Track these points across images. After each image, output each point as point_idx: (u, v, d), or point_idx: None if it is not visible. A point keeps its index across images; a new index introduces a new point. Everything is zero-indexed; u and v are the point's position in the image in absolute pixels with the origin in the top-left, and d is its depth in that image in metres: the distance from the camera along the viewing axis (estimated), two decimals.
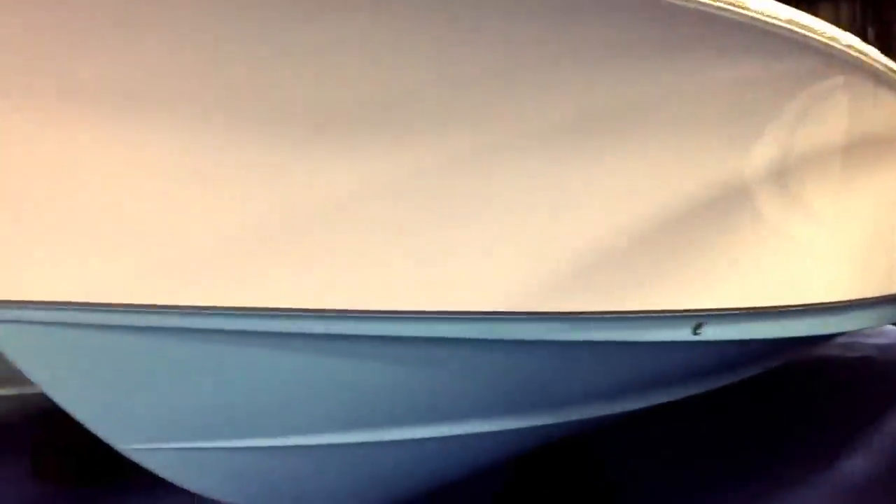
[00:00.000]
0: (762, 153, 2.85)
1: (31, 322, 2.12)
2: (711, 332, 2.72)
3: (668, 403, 3.06)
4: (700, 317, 2.70)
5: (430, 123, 2.19)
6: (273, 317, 2.20)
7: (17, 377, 3.59)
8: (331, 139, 2.13)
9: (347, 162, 2.15)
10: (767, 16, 2.55)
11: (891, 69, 3.41)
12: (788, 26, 2.63)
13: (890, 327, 5.93)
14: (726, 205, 2.72)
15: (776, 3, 2.63)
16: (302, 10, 2.00)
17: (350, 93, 2.10)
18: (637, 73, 2.36)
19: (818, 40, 2.79)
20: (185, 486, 2.50)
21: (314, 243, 2.19)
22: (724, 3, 2.41)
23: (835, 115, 3.20)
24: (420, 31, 2.11)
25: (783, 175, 2.95)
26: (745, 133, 2.79)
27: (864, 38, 3.41)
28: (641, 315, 2.59)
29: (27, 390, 3.72)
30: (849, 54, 2.99)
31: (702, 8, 2.36)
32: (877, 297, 3.90)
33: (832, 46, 2.86)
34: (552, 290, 2.44)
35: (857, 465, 4.04)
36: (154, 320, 2.14)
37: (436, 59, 2.15)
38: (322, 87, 2.07)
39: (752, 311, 2.87)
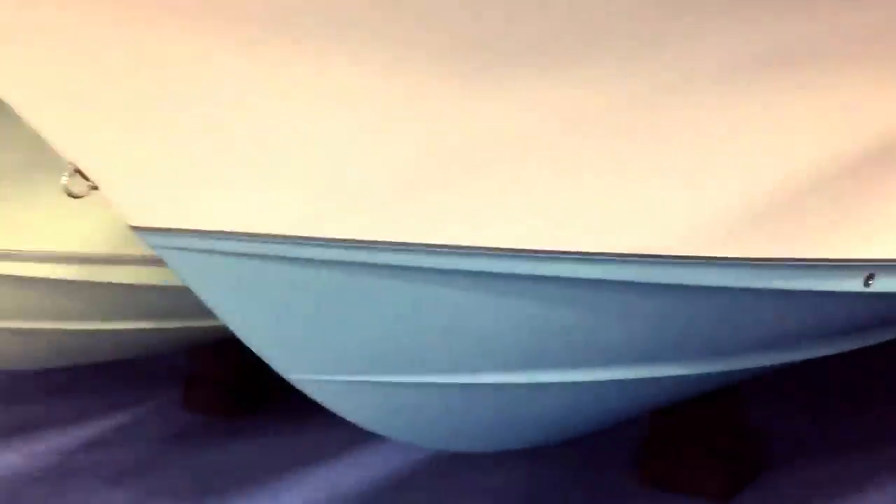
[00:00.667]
0: None
1: (216, 252, 2.19)
2: (882, 284, 2.63)
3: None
4: (872, 267, 2.61)
5: (610, 58, 2.14)
6: (441, 253, 2.21)
7: (169, 311, 3.77)
8: (509, 72, 2.11)
9: (525, 97, 2.13)
10: None
11: None
12: None
13: None
14: None
15: None
16: None
17: (530, 25, 2.07)
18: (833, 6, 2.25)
19: None
20: (347, 417, 2.57)
21: (485, 180, 2.19)
22: None
23: None
24: None
25: None
26: None
27: None
28: (811, 262, 2.51)
29: (178, 324, 3.88)
30: None
31: None
32: None
33: None
34: (723, 234, 2.39)
35: None
36: (330, 254, 2.19)
37: None
38: (503, 17, 2.05)
39: None
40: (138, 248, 3.41)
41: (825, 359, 3.04)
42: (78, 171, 2.17)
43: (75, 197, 2.18)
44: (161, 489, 3.55)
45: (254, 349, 2.41)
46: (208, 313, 3.38)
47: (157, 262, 3.42)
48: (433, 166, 2.16)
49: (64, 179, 2.17)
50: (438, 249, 2.20)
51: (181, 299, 3.46)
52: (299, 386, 2.48)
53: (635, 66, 2.20)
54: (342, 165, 2.12)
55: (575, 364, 2.52)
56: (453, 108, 2.10)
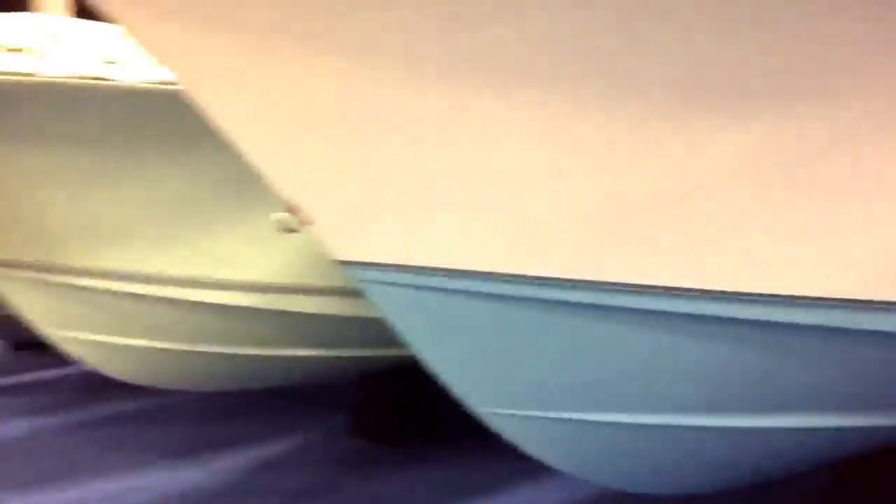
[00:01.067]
0: None
1: (419, 287, 2.27)
2: None
3: None
4: None
5: (815, 93, 2.11)
6: (640, 293, 2.22)
7: (347, 340, 3.90)
8: (709, 108, 2.11)
9: (725, 133, 2.12)
10: None
11: None
12: None
13: None
14: None
15: None
16: None
17: (733, 59, 2.06)
18: None
19: None
20: (532, 453, 2.60)
21: (687, 218, 2.19)
22: None
23: None
24: None
25: None
26: None
27: None
28: None
29: (353, 353, 4.01)
30: None
31: None
32: None
33: None
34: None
35: None
36: (531, 291, 2.23)
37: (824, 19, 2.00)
38: (704, 52, 2.05)
39: None
40: (320, 280, 3.57)
41: None
42: (293, 208, 2.29)
43: (290, 231, 2.30)
44: None
45: (446, 382, 2.47)
46: (383, 343, 3.48)
47: (336, 292, 3.59)
48: (635, 205, 2.17)
49: (280, 215, 2.30)
50: (638, 289, 2.21)
51: (360, 329, 3.59)
52: (487, 420, 2.52)
53: (843, 103, 2.15)
54: (546, 203, 2.17)
55: (769, 409, 2.47)
56: (659, 145, 2.12)
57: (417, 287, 2.27)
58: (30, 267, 3.79)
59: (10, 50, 3.34)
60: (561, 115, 2.11)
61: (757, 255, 2.23)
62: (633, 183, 2.15)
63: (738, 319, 2.26)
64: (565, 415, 2.45)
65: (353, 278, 2.35)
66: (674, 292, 2.21)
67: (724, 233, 2.20)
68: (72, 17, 6.20)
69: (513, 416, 2.47)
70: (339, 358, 4.03)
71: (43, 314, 3.93)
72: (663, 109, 2.10)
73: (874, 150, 2.20)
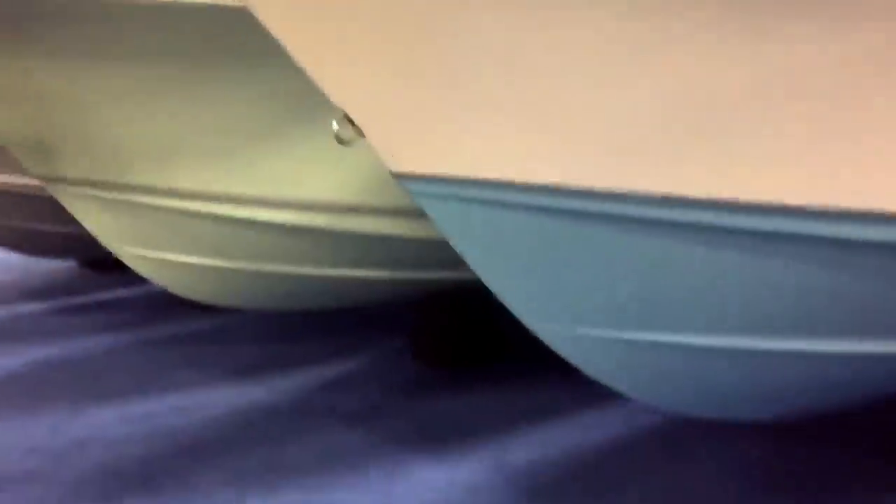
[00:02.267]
0: None
1: (475, 200, 2.23)
2: None
3: None
4: None
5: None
6: (701, 207, 2.13)
7: (409, 261, 3.89)
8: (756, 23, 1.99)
9: (810, 37, 1.99)
10: None
11: None
12: None
13: None
14: None
15: None
16: None
17: None
18: None
19: None
20: (590, 374, 2.56)
21: (748, 128, 2.08)
22: None
23: None
24: None
25: None
26: None
27: None
28: None
29: (415, 274, 4.00)
30: None
31: None
32: None
33: None
34: None
35: None
36: (589, 205, 2.17)
37: None
38: None
39: None
40: (383, 199, 3.55)
41: None
42: (347, 118, 2.25)
43: (344, 143, 2.27)
44: (389, 435, 3.66)
45: (504, 300, 2.44)
46: (446, 265, 3.45)
47: (399, 213, 3.57)
48: (699, 117, 2.08)
49: (334, 125, 2.27)
50: (699, 203, 2.13)
51: (422, 251, 3.57)
52: (546, 338, 2.49)
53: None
54: (606, 114, 2.09)
55: (834, 333, 2.38)
56: (724, 49, 2.01)
57: (473, 200, 2.23)
58: (99, 185, 3.84)
59: None
60: (617, 17, 2.01)
61: (827, 166, 2.12)
62: (691, 89, 2.05)
63: (804, 236, 2.17)
64: (624, 335, 2.40)
65: (408, 192, 2.31)
66: (735, 206, 2.12)
67: (790, 143, 2.10)
68: None
69: (573, 335, 2.43)
70: (402, 280, 4.03)
71: (112, 232, 3.99)
72: (737, 15, 1.99)
73: None
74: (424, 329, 4.52)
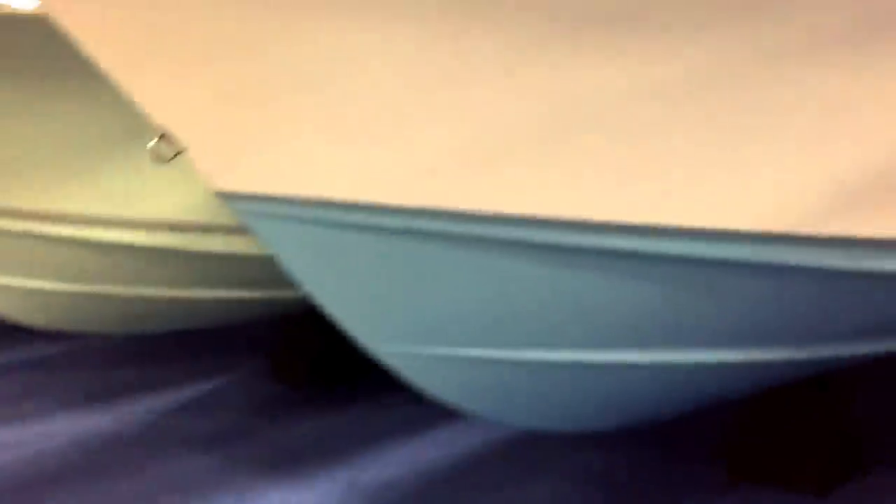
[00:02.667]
0: None
1: (299, 218, 2.17)
2: None
3: None
4: None
5: (701, 24, 2.03)
6: (525, 224, 2.14)
7: (258, 280, 3.80)
8: (592, 39, 2.02)
9: (610, 64, 2.04)
10: None
11: None
12: None
13: None
14: None
15: None
16: None
17: None
18: None
19: None
20: (427, 392, 2.53)
21: (571, 149, 2.10)
22: None
23: None
24: None
25: None
26: None
27: None
28: None
29: (266, 294, 3.92)
30: None
31: None
32: None
33: None
34: (816, 213, 2.26)
35: None
36: (412, 223, 2.14)
37: None
38: None
39: None
40: (229, 218, 3.45)
41: None
42: (165, 136, 2.17)
43: (162, 161, 2.18)
44: (245, 458, 3.58)
45: (337, 321, 2.39)
46: (288, 283, 3.38)
47: (238, 231, 3.47)
48: (524, 134, 2.09)
49: (151, 143, 2.18)
50: (522, 220, 2.13)
51: (270, 269, 3.49)
52: (382, 359, 2.45)
53: (732, 34, 2.08)
54: (429, 132, 2.07)
55: (666, 344, 2.42)
56: (548, 71, 2.02)
57: (297, 219, 2.17)
58: None
59: None
60: (442, 39, 2.01)
61: (654, 186, 2.16)
62: (522, 110, 2.06)
63: (633, 252, 2.20)
64: (461, 352, 2.38)
65: (232, 210, 2.24)
66: (564, 224, 2.14)
67: (614, 163, 2.12)
68: None
69: (410, 354, 2.39)
70: (255, 299, 3.94)
71: None
72: (554, 35, 2.01)
73: (757, 84, 2.13)
74: (283, 349, 4.43)
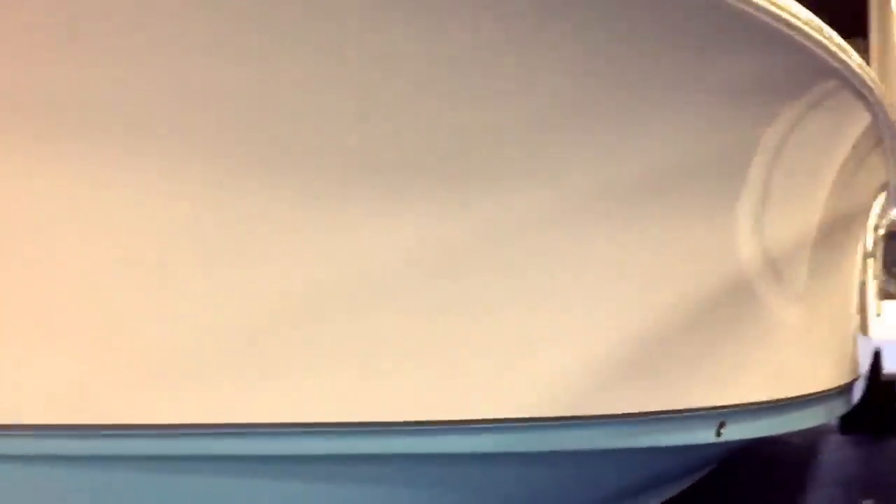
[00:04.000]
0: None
1: None
2: (732, 432, 2.61)
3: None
4: (723, 415, 2.56)
5: (446, 191, 1.98)
6: (244, 435, 2.00)
7: None
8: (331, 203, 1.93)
9: (346, 235, 1.95)
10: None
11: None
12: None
13: None
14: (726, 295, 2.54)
15: None
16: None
17: (347, 156, 1.89)
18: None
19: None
20: None
21: (297, 347, 2.00)
22: None
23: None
24: (426, 87, 1.90)
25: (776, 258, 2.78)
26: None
27: None
28: (665, 416, 2.42)
29: None
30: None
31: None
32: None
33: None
34: (566, 396, 2.24)
35: None
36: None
37: (448, 115, 1.92)
38: (318, 151, 1.88)
39: (772, 404, 2.75)
40: None
41: None
42: None
43: None
44: None
45: None
46: None
47: None
48: (226, 338, 1.97)
49: None
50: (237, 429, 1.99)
51: None
52: None
53: (478, 202, 2.02)
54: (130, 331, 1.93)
55: None
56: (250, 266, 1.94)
57: None
58: None
59: None
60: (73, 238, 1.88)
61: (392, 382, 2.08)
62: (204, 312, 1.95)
63: (365, 456, 2.12)
64: None
65: None
66: (272, 431, 2.02)
67: (331, 364, 2.02)
68: None
69: None
70: None
71: None
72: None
73: (498, 256, 2.08)
74: None
